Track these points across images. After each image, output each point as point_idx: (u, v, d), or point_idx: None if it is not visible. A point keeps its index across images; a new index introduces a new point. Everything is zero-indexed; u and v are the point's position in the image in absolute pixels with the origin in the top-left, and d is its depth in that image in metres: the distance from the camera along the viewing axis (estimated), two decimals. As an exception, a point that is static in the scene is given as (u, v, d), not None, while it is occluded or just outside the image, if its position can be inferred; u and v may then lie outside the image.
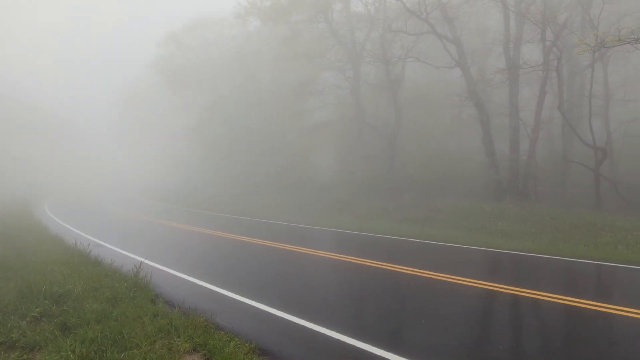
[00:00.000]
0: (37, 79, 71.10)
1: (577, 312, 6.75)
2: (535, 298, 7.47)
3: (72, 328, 6.07)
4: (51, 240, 14.19)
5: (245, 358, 5.15)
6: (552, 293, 7.60)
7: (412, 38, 25.12)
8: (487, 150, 21.53)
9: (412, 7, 22.19)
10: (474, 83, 21.19)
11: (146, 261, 10.41)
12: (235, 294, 8.11)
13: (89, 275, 8.70)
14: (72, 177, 65.10)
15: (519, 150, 21.58)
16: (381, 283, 9.16)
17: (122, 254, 12.49)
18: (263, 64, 34.08)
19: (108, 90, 61.25)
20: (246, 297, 7.88)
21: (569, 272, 10.08)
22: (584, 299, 7.22)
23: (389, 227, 17.34)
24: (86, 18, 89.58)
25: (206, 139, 39.20)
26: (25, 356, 5.48)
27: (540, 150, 23.52)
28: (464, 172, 26.29)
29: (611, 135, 19.97)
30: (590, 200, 19.56)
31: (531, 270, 10.46)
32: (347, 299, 8.26)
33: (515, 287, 8.11)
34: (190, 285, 9.02)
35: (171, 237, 16.96)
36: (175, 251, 13.97)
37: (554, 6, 19.47)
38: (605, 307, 6.81)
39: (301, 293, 8.40)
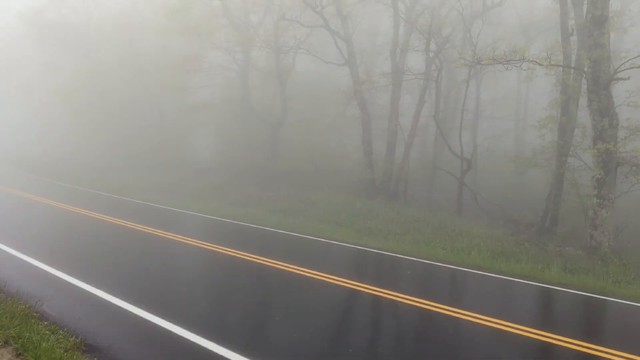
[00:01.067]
0: None
1: (426, 314, 6.92)
2: (392, 298, 7.57)
3: None
4: None
5: (65, 356, 4.47)
6: (407, 294, 7.76)
7: (306, 30, 25.03)
8: (365, 149, 22.09)
9: (308, -1, 22.04)
10: (360, 83, 21.59)
11: (-27, 234, 9.03)
12: (76, 278, 7.25)
13: None
14: None
15: (394, 153, 22.43)
16: (242, 275, 8.79)
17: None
18: (148, 33, 31.95)
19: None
20: (88, 283, 7.06)
21: (425, 274, 10.49)
22: (434, 302, 7.43)
23: (261, 217, 17.02)
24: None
25: (77, 106, 35.90)
26: None
27: (413, 155, 24.73)
28: (342, 169, 26.88)
29: (477, 148, 21.51)
30: (453, 207, 20.91)
31: (391, 270, 10.74)
32: (202, 291, 7.77)
33: (374, 286, 8.18)
34: (23, 265, 7.94)
35: (14, 209, 15.12)
36: (14, 225, 12.40)
37: (440, 20, 20.48)
38: (451, 311, 7.06)
39: (154, 282, 7.75)
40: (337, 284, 8.18)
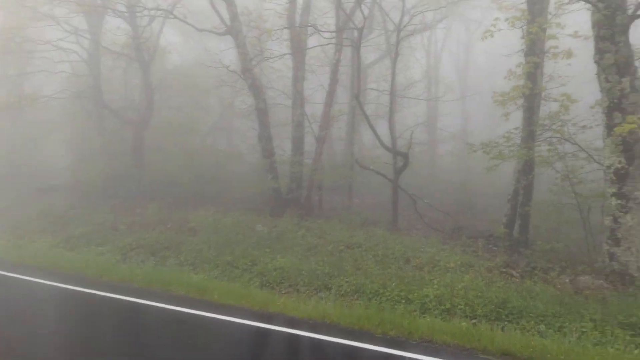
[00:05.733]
0: None
1: None
2: None
3: None
4: None
5: None
6: None
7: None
8: (263, 148, 16.18)
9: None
10: (249, 59, 15.66)
11: None
12: None
13: None
14: None
15: (303, 151, 16.82)
16: None
17: None
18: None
19: None
20: None
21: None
22: None
23: (107, 265, 10.58)
24: None
25: None
26: None
27: (324, 153, 19.26)
28: (236, 177, 20.70)
29: (411, 139, 16.43)
30: (384, 218, 15.70)
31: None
32: None
33: None
34: None
35: None
36: None
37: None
38: None
39: None
40: None
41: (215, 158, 21.00)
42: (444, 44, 31.84)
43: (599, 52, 9.29)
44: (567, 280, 9.44)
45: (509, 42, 15.31)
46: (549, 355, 5.66)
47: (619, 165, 9.31)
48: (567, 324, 7.07)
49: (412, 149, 15.46)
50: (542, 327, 7.11)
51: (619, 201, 9.35)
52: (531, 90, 12.10)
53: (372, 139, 17.19)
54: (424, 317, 7.61)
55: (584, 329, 6.89)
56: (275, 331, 6.64)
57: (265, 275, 9.84)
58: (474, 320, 7.56)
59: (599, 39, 9.23)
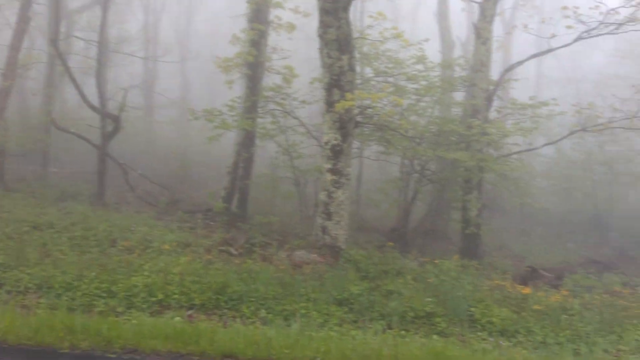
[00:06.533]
0: None
1: None
2: None
3: None
4: None
5: None
6: None
7: None
8: None
9: None
10: None
11: None
12: None
13: None
14: None
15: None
16: None
17: None
18: None
19: None
20: None
21: None
22: None
23: None
24: None
25: None
26: None
27: (12, 109, 15.50)
28: None
29: (124, 101, 14.16)
30: (86, 190, 13.48)
31: None
32: None
33: None
34: None
35: None
36: None
37: None
38: None
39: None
40: None
41: None
42: (165, 1, 29.83)
43: (323, 26, 9.19)
44: (285, 256, 9.30)
45: (232, 9, 14.72)
46: (273, 352, 5.02)
47: (335, 142, 9.48)
48: (288, 306, 6.68)
49: (125, 112, 13.53)
50: (263, 312, 6.58)
51: (333, 177, 9.55)
52: (255, 58, 11.66)
53: (77, 97, 14.44)
54: (130, 313, 6.25)
55: (304, 310, 6.60)
56: None
57: None
58: (190, 311, 6.59)
59: (323, 12, 9.11)
